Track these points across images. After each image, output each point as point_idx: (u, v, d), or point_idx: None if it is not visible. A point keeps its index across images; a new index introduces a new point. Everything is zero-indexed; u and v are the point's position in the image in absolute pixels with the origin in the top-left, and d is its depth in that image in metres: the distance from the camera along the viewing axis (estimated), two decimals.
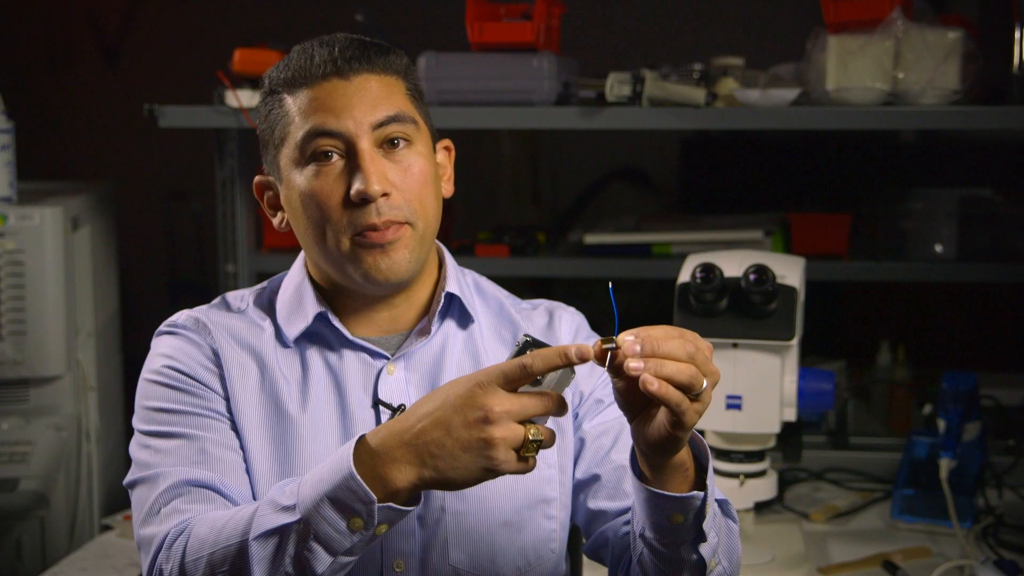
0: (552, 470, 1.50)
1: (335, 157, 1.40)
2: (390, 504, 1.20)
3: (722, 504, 1.37)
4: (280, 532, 1.23)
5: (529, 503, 1.48)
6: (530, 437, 1.18)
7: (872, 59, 2.32)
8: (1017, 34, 2.48)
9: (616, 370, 1.17)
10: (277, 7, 3.90)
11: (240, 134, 2.66)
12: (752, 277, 1.96)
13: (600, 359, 1.17)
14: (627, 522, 1.44)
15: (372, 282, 1.43)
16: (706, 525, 1.27)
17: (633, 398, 1.20)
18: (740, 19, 3.64)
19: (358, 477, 1.19)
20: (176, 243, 4.05)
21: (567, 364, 1.17)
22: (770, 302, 1.97)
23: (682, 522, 1.26)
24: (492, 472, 1.18)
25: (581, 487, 1.51)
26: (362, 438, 1.23)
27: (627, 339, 1.16)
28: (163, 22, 4.06)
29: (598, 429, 1.50)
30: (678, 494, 1.24)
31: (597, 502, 1.48)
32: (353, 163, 1.40)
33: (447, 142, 1.53)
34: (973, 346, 3.35)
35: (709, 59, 2.55)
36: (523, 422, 1.18)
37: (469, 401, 1.18)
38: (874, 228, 2.76)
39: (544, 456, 1.48)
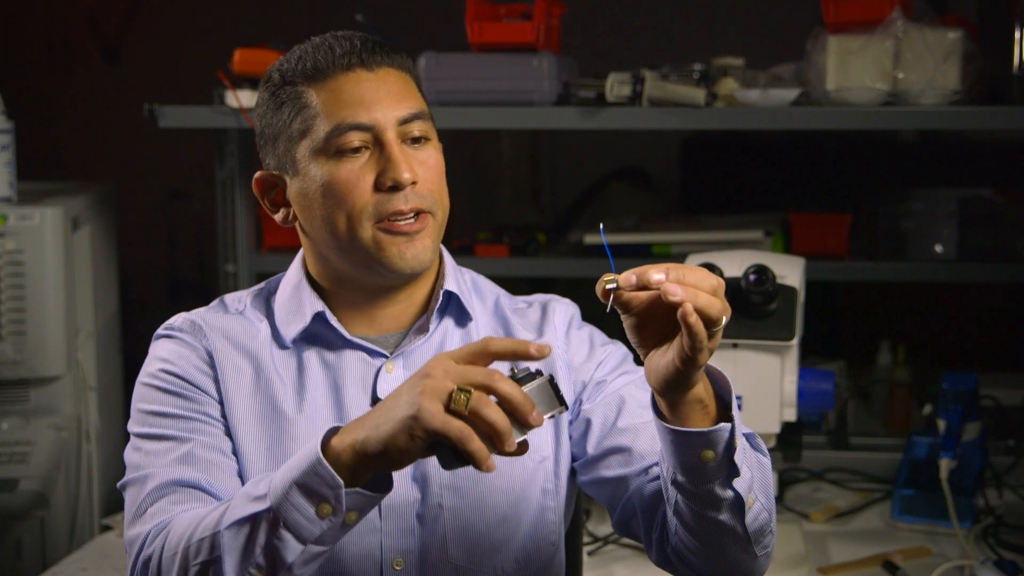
0: (548, 462, 1.50)
1: (363, 149, 1.42)
2: (357, 489, 1.19)
3: (749, 438, 1.34)
4: (251, 520, 1.22)
5: (526, 496, 1.48)
6: (456, 387, 1.14)
7: (872, 59, 2.32)
8: (1017, 34, 2.48)
9: (624, 306, 1.19)
10: (277, 7, 3.90)
11: (240, 134, 2.66)
12: (752, 277, 1.95)
13: (604, 298, 1.18)
14: (652, 479, 1.42)
15: (394, 270, 1.43)
16: (737, 458, 1.25)
17: (645, 334, 1.21)
18: (740, 19, 3.63)
19: (325, 462, 1.18)
20: (176, 243, 4.05)
21: (526, 353, 1.18)
22: (770, 302, 1.97)
23: (713, 458, 1.24)
24: (416, 421, 1.14)
25: (594, 462, 1.49)
26: (335, 428, 1.23)
27: (630, 278, 1.17)
28: (163, 22, 4.06)
29: (601, 404, 1.50)
30: (702, 429, 1.23)
31: (613, 470, 1.47)
32: (381, 152, 1.41)
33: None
34: (973, 346, 3.35)
35: (709, 59, 2.54)
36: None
37: (421, 370, 1.18)
38: (874, 228, 2.76)
39: (539, 448, 1.49)
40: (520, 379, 1.18)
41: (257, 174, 1.51)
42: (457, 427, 1.14)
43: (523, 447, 1.18)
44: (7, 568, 2.43)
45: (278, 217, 1.51)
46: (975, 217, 2.72)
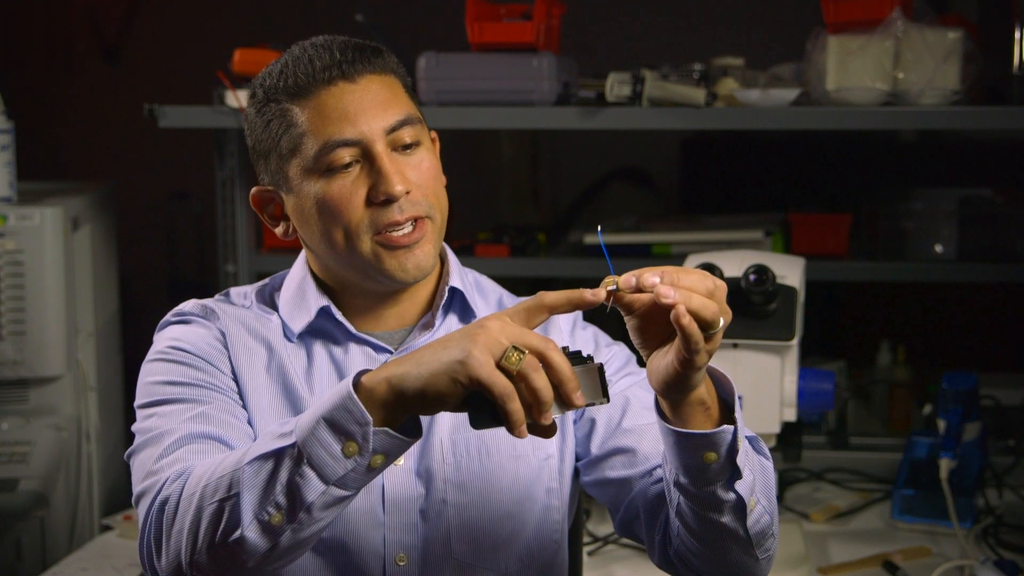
0: (553, 460, 1.50)
1: (353, 164, 1.41)
2: (385, 429, 1.17)
3: (752, 441, 1.34)
4: (275, 456, 1.20)
5: (531, 494, 1.48)
6: (511, 345, 1.13)
7: (872, 59, 2.32)
8: (1017, 34, 2.48)
9: (626, 308, 1.19)
10: (277, 7, 3.90)
11: (240, 134, 2.65)
12: (752, 277, 1.95)
13: (605, 300, 1.18)
14: (656, 481, 1.43)
15: (395, 280, 1.44)
16: (740, 460, 1.25)
17: (647, 335, 1.21)
18: (740, 19, 3.64)
19: (356, 397, 1.16)
20: (176, 243, 4.05)
21: (581, 301, 1.17)
22: (770, 302, 1.97)
23: (715, 460, 1.24)
24: (463, 367, 1.12)
25: (598, 463, 1.50)
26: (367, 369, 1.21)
27: (630, 280, 1.17)
28: (163, 22, 4.06)
29: (606, 405, 1.50)
30: (705, 431, 1.23)
31: (617, 471, 1.47)
32: (372, 165, 1.41)
33: (433, 133, 1.53)
34: (973, 346, 3.35)
35: (709, 59, 2.54)
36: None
37: (476, 322, 1.17)
38: (874, 228, 2.76)
39: (544, 446, 1.49)
40: (569, 359, 1.17)
41: (253, 190, 1.51)
42: (503, 383, 1.12)
43: (552, 428, 1.16)
44: (7, 568, 2.43)
45: (279, 231, 1.51)
46: (975, 217, 2.71)
